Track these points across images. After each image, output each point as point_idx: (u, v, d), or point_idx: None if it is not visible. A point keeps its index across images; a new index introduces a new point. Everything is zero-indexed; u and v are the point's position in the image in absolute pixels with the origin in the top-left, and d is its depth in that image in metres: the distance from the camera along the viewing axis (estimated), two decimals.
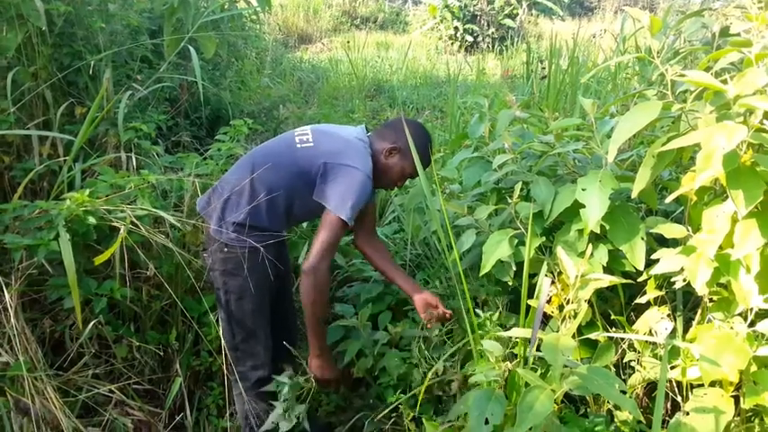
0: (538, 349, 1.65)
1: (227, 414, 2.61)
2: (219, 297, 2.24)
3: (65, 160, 2.57)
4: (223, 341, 2.17)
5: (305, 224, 3.07)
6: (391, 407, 2.18)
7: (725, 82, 1.63)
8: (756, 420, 1.83)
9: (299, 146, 2.19)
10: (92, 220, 2.17)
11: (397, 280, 2.42)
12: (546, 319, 1.84)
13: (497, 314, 2.34)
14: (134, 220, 2.16)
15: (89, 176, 2.72)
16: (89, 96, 3.13)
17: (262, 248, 2.09)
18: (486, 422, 1.55)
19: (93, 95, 3.05)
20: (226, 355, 2.17)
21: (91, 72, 3.04)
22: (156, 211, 2.26)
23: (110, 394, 2.34)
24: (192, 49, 3.14)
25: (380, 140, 2.25)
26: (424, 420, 2.04)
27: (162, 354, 2.61)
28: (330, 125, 2.41)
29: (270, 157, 2.19)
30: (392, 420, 2.47)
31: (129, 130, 2.92)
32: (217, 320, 2.48)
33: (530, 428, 1.47)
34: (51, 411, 2.08)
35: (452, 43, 12.95)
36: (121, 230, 2.08)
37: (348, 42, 10.63)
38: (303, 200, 2.19)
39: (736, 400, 1.80)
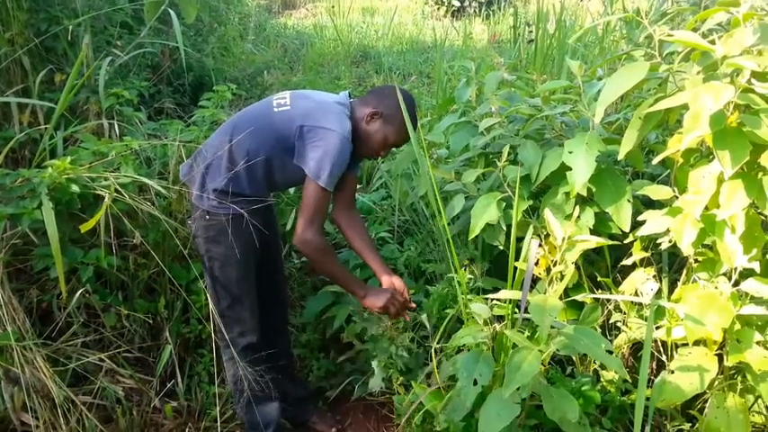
0: (524, 312, 1.67)
1: (218, 380, 2.63)
2: (204, 264, 2.23)
3: (45, 128, 2.53)
4: (212, 307, 2.17)
5: (291, 190, 3.05)
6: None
7: (713, 42, 1.62)
8: (739, 378, 1.87)
9: (276, 110, 2.15)
10: (75, 188, 2.15)
11: (368, 258, 2.35)
12: (533, 281, 1.85)
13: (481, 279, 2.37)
14: (118, 187, 2.13)
15: (71, 145, 2.68)
16: (68, 63, 3.07)
17: (246, 215, 2.07)
18: (475, 383, 1.57)
19: (72, 62, 2.99)
20: (215, 321, 2.17)
21: (69, 38, 2.98)
22: (141, 178, 2.23)
23: (100, 363, 2.34)
24: (172, 13, 3.07)
25: (363, 106, 2.20)
26: (412, 383, 2.07)
27: (151, 322, 2.61)
28: (311, 90, 2.37)
29: (249, 123, 2.16)
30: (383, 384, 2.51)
31: (111, 97, 2.87)
32: (205, 287, 2.48)
33: (517, 388, 1.49)
34: (41, 380, 2.08)
35: (439, 8, 12.77)
36: (106, 198, 2.05)
37: (333, 7, 10.44)
38: (283, 165, 2.16)
39: (720, 358, 1.84)
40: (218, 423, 2.35)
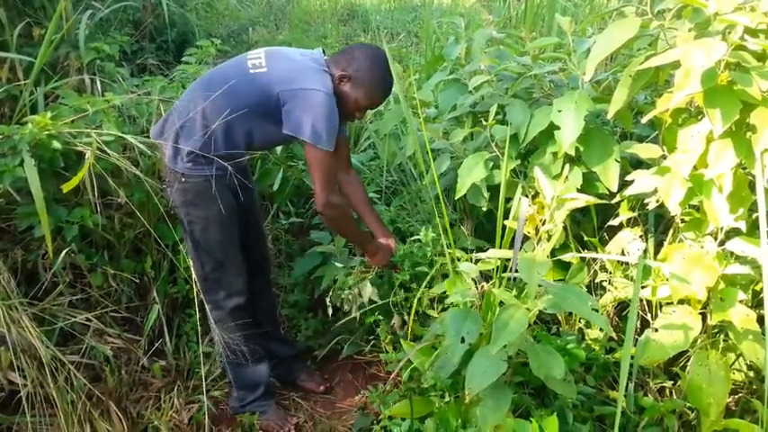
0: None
1: (206, 340, 2.64)
2: (185, 228, 2.19)
3: (25, 84, 2.47)
4: (194, 271, 2.14)
5: (278, 150, 3.01)
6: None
7: None
8: (721, 336, 1.90)
9: (252, 71, 2.08)
10: (56, 144, 2.10)
11: (366, 217, 2.42)
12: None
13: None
14: (101, 144, 2.08)
15: (52, 101, 2.62)
16: (46, 16, 2.98)
17: (219, 176, 2.05)
18: (462, 341, 1.58)
19: (50, 15, 2.90)
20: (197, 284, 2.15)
21: None
22: (124, 135, 2.18)
23: (87, 323, 2.33)
24: None
25: (334, 66, 2.13)
26: (401, 341, 2.08)
27: (138, 282, 2.60)
28: (284, 48, 2.28)
29: (222, 83, 2.06)
30: (371, 344, 2.53)
31: (91, 51, 2.80)
32: (186, 252, 2.46)
33: (504, 345, 1.51)
34: (28, 340, 2.07)
35: None
36: (88, 155, 2.01)
37: None
38: (262, 129, 2.11)
39: (704, 317, 1.87)
40: (205, 382, 2.37)
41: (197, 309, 2.26)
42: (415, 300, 2.05)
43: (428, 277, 2.10)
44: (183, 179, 2.09)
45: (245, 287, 2.30)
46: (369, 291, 2.36)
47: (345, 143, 2.37)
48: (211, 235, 2.18)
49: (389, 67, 2.03)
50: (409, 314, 2.25)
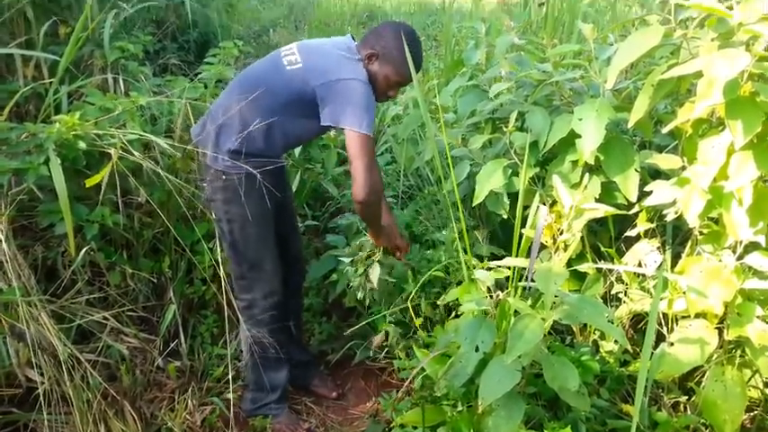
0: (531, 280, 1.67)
1: (222, 341, 2.65)
2: (222, 227, 2.22)
3: (50, 82, 2.50)
4: (221, 271, 2.13)
5: (297, 152, 3.02)
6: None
7: (730, 8, 1.58)
8: (738, 352, 1.88)
9: (288, 68, 2.12)
10: (82, 144, 2.13)
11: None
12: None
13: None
14: (126, 144, 2.11)
15: (75, 100, 2.65)
16: (72, 15, 3.01)
17: (258, 175, 2.05)
18: (477, 349, 1.58)
19: (76, 14, 2.94)
20: (221, 283, 2.15)
21: None
22: (148, 135, 2.20)
23: (104, 321, 2.35)
24: None
25: (363, 48, 2.16)
26: (414, 348, 2.08)
27: (155, 281, 2.62)
28: (316, 40, 2.31)
29: (260, 81, 2.12)
30: (384, 350, 2.53)
31: (116, 50, 2.83)
32: (210, 249, 2.48)
33: (518, 356, 1.50)
34: (46, 337, 2.10)
35: None
36: (113, 155, 2.03)
37: None
38: (299, 124, 2.15)
39: (720, 332, 1.84)
40: (218, 384, 2.38)
41: (228, 306, 2.26)
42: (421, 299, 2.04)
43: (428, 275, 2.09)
44: (224, 177, 2.12)
45: (280, 287, 2.31)
46: (377, 272, 2.34)
47: None
48: (250, 232, 2.20)
49: (417, 40, 2.07)
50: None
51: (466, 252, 1.94)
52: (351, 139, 2.05)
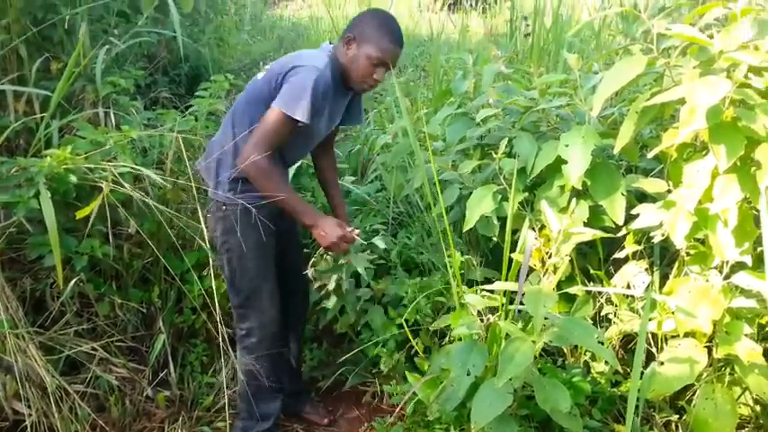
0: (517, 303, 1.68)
1: (211, 370, 2.63)
2: (222, 258, 2.22)
3: (42, 117, 2.51)
4: (231, 298, 2.20)
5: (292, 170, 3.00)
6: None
7: (711, 37, 1.63)
8: (727, 370, 1.89)
9: (258, 77, 2.17)
10: (73, 178, 2.13)
11: (331, 191, 2.49)
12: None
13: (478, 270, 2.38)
14: (117, 177, 2.12)
15: (66, 134, 2.66)
16: (65, 51, 3.04)
17: (253, 209, 2.04)
18: (468, 373, 1.58)
19: (68, 50, 2.97)
20: (212, 311, 2.13)
21: (66, 26, 2.95)
22: (140, 168, 2.21)
23: (93, 352, 2.33)
24: (170, 2, 3.05)
25: (341, 41, 2.15)
26: (406, 373, 2.08)
27: (144, 311, 2.61)
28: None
29: (241, 105, 2.17)
30: (375, 375, 2.52)
31: (107, 85, 2.85)
32: (199, 278, 2.48)
33: (510, 378, 1.50)
34: (34, 369, 2.08)
35: (435, 1, 12.75)
36: (104, 189, 2.04)
37: None
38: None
39: (709, 350, 1.86)
40: (208, 413, 2.35)
41: (224, 336, 2.21)
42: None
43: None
44: (224, 207, 2.14)
45: (277, 317, 2.29)
46: (363, 260, 2.26)
47: (334, 132, 2.44)
48: (248, 262, 2.19)
49: (393, 17, 2.08)
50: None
51: (456, 278, 1.95)
52: (268, 112, 2.02)
